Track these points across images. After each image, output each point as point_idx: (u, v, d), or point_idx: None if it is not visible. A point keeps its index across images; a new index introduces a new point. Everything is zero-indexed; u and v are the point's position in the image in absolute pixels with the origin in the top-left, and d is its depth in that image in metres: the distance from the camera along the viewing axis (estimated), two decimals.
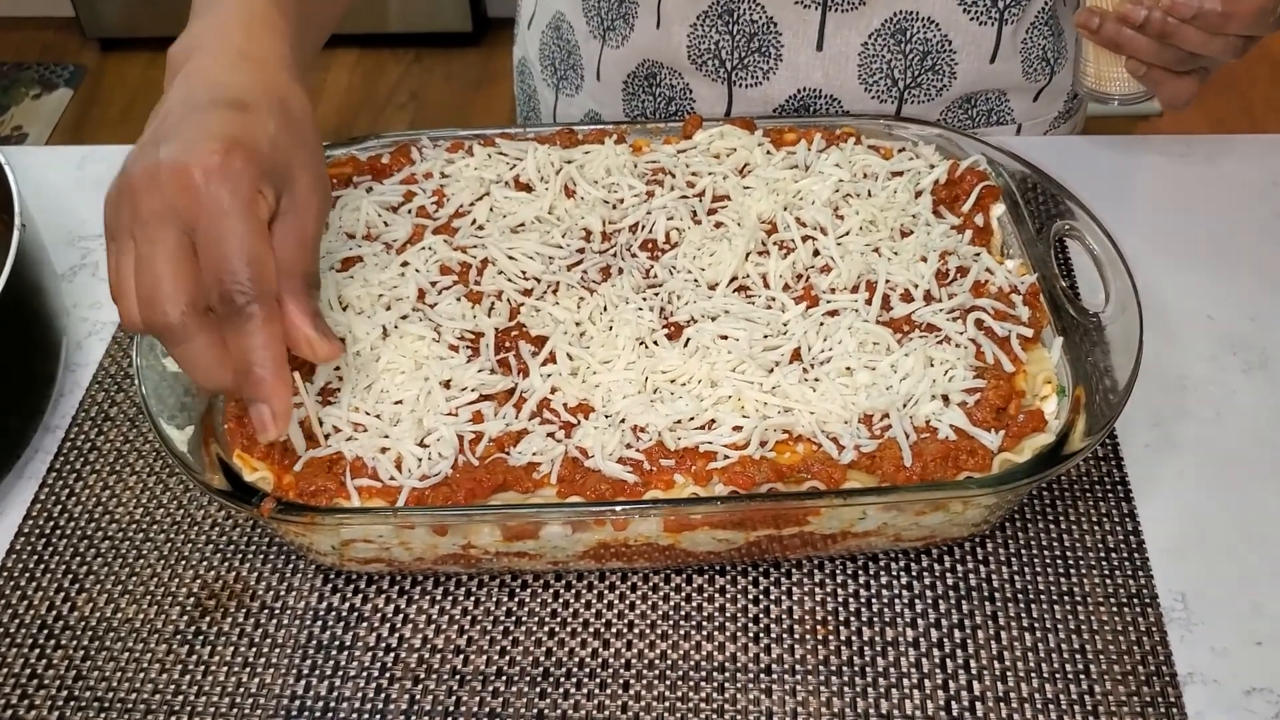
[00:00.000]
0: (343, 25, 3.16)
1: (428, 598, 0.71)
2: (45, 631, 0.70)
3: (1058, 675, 0.66)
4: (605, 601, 0.70)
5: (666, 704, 0.66)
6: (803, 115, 0.96)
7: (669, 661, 0.68)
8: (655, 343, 0.71)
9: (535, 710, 0.66)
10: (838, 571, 0.71)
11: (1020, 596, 0.70)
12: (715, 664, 0.68)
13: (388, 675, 0.68)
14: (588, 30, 1.00)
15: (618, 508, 0.63)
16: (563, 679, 0.67)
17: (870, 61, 0.94)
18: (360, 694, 0.67)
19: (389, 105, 2.93)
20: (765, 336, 0.71)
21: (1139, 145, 1.00)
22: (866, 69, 0.94)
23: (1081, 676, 0.66)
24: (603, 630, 0.69)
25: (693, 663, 0.68)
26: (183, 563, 0.73)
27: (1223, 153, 0.98)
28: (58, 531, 0.74)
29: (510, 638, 0.69)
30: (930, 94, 0.96)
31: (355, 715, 0.66)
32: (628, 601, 0.70)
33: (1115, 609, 0.69)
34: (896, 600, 0.70)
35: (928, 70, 0.94)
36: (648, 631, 0.69)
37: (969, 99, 0.98)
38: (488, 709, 0.66)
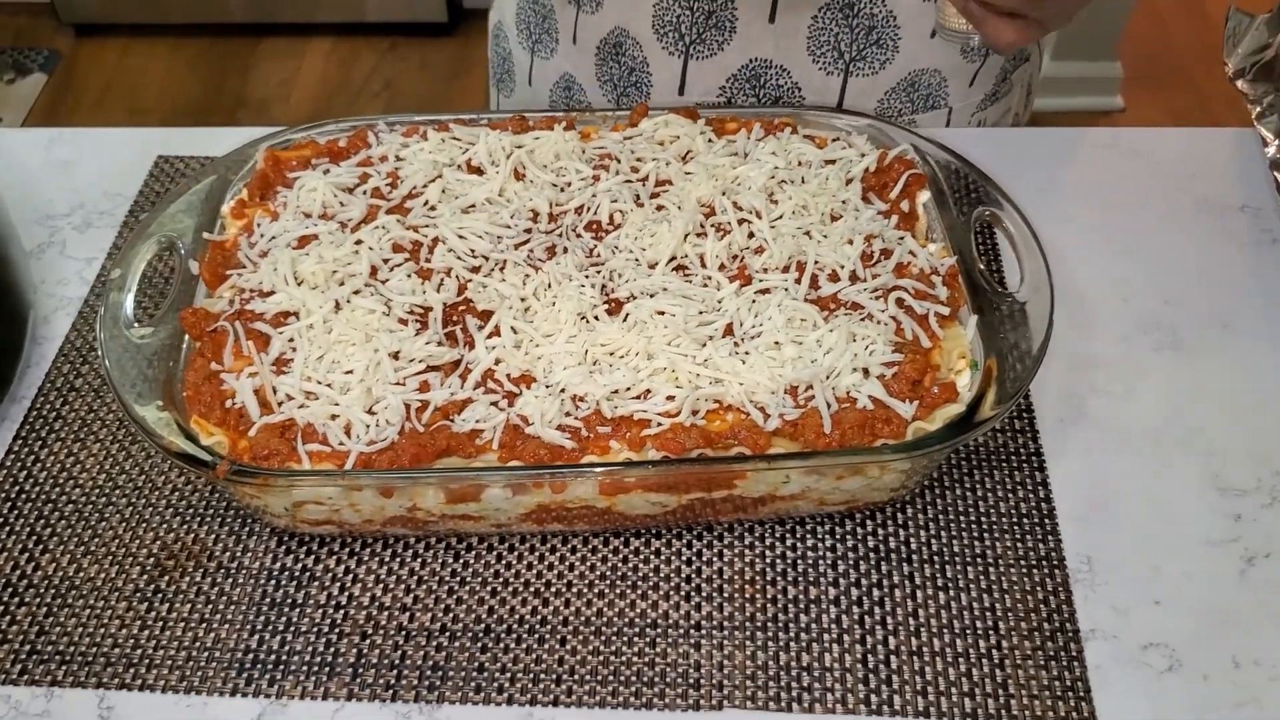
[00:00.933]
0: (319, 13, 3.18)
1: (376, 559, 0.74)
2: (10, 589, 0.73)
3: (968, 631, 0.71)
4: (546, 563, 0.74)
5: (600, 658, 0.70)
6: (753, 84, 1.00)
7: (605, 619, 0.72)
8: (596, 318, 0.75)
9: (476, 664, 0.70)
10: (766, 535, 0.75)
11: (936, 558, 0.74)
12: (648, 620, 0.72)
13: (337, 631, 0.71)
14: None
15: (554, 471, 0.67)
16: (503, 635, 0.71)
17: (819, 34, 0.97)
18: (311, 648, 0.70)
19: (363, 94, 2.96)
20: (700, 313, 0.75)
21: (1071, 137, 1.04)
22: (815, 41, 0.98)
23: (990, 632, 0.71)
24: (543, 590, 0.73)
25: (627, 619, 0.72)
26: (143, 525, 0.76)
27: (1149, 145, 1.02)
28: (23, 495, 0.78)
29: (455, 596, 0.73)
30: (874, 67, 0.99)
31: (306, 668, 0.70)
32: (567, 563, 0.74)
33: (1025, 570, 0.73)
34: (820, 561, 0.74)
35: (873, 44, 0.98)
36: (585, 591, 0.73)
37: (912, 83, 1.01)
38: (431, 662, 0.70)
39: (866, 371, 0.72)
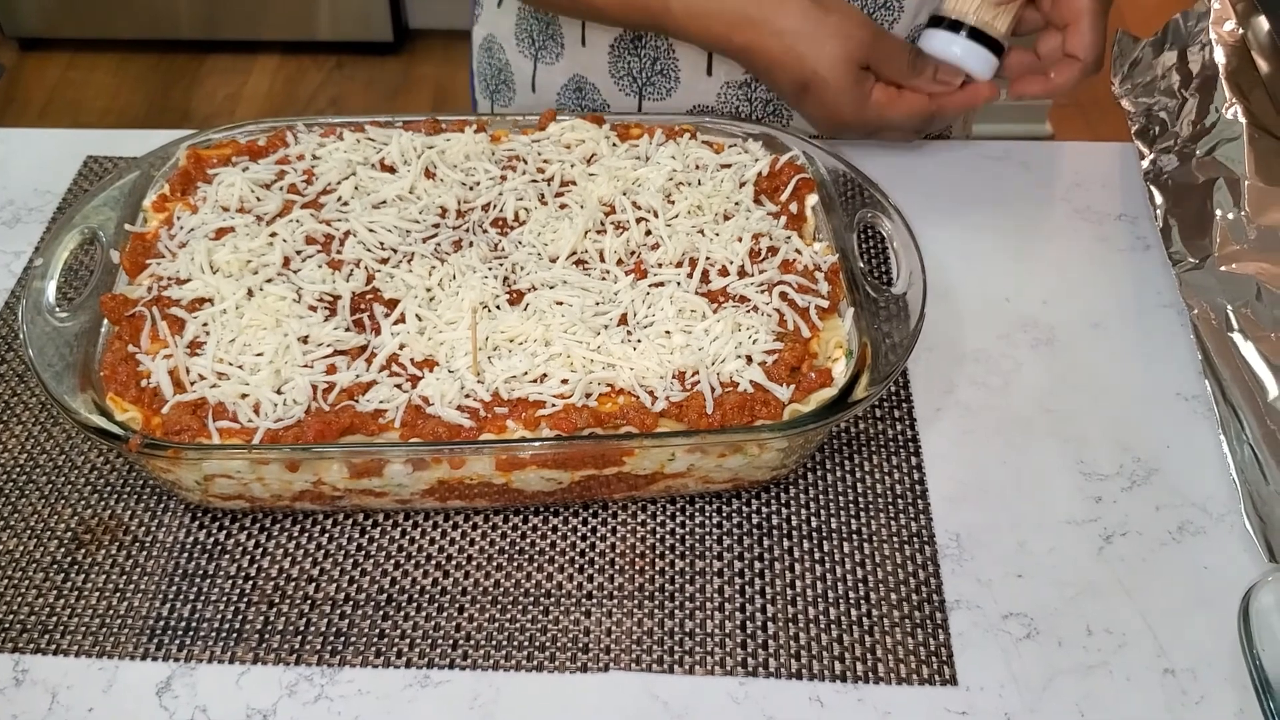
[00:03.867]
0: (266, 31, 3.25)
1: (285, 533, 0.78)
2: None
3: (841, 600, 0.75)
4: (448, 538, 0.78)
5: (496, 624, 0.74)
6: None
7: (502, 589, 0.76)
8: (498, 307, 0.79)
9: (378, 630, 0.74)
10: (657, 512, 0.80)
11: (815, 534, 0.79)
12: (543, 591, 0.76)
13: (245, 600, 0.75)
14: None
15: (452, 446, 0.72)
16: (405, 604, 0.75)
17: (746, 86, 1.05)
18: (219, 616, 0.74)
19: (309, 110, 2.99)
20: (597, 304, 0.80)
21: (962, 149, 1.10)
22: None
23: (862, 601, 0.75)
24: (444, 562, 0.77)
25: (523, 590, 0.76)
26: (62, 501, 0.79)
27: (1035, 157, 1.09)
28: None
29: (359, 568, 0.77)
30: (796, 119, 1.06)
31: (214, 634, 0.73)
32: (468, 538, 0.78)
33: (897, 546, 0.78)
34: (707, 536, 0.79)
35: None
36: (485, 564, 0.77)
37: None
38: (334, 629, 0.74)
39: (749, 358, 0.77)
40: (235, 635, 0.73)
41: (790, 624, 0.74)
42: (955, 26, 0.92)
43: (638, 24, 0.98)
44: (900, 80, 0.92)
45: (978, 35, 0.92)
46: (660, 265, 0.83)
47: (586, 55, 1.09)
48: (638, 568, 0.77)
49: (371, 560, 0.77)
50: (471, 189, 0.88)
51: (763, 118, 1.08)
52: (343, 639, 0.73)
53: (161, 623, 0.74)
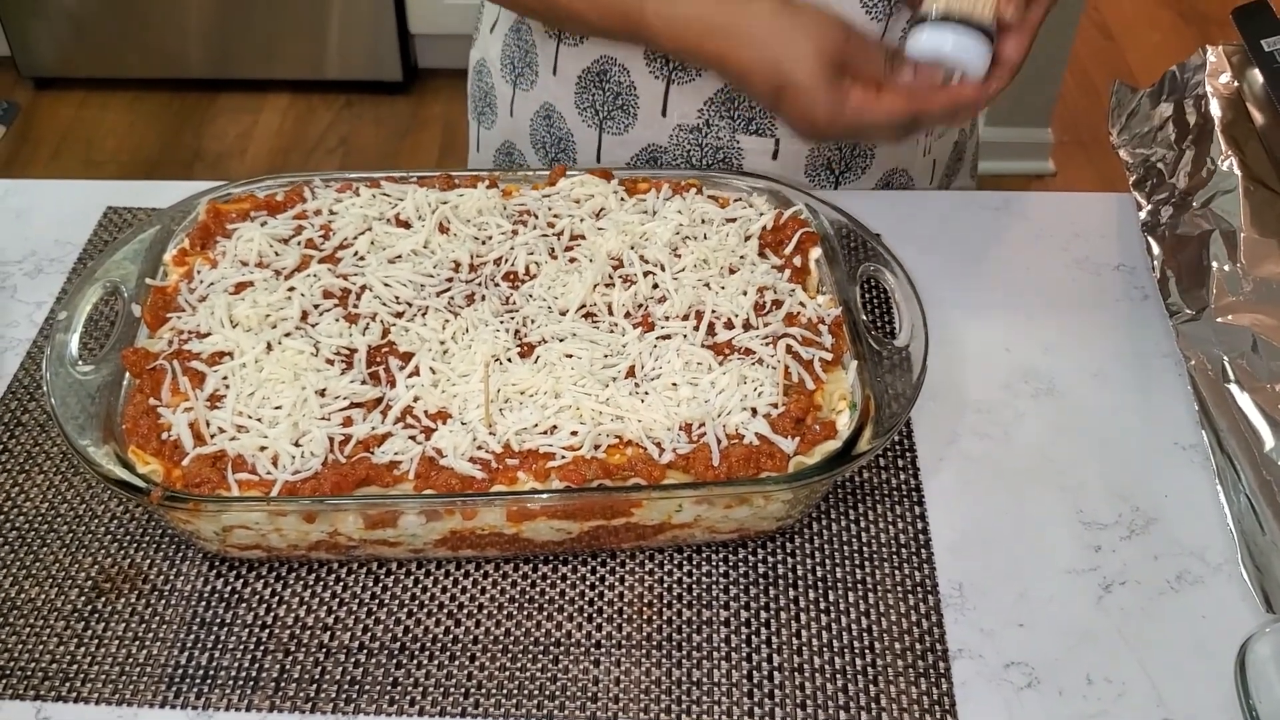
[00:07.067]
0: (278, 69, 3.29)
1: (301, 582, 0.80)
2: None
3: (846, 650, 0.77)
4: (459, 586, 0.80)
5: (507, 673, 0.75)
6: (728, 107, 1.06)
7: (512, 638, 0.77)
8: (509, 359, 0.81)
9: (392, 679, 0.75)
10: (665, 561, 0.81)
11: (820, 584, 0.80)
12: (552, 640, 0.77)
13: (262, 648, 0.76)
14: (545, 31, 1.09)
15: (465, 498, 0.73)
16: (417, 652, 0.76)
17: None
18: (237, 664, 0.76)
19: (319, 149, 3.02)
20: (605, 356, 0.82)
21: (961, 200, 1.12)
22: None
23: (866, 651, 0.77)
24: (455, 611, 0.79)
25: (533, 639, 0.77)
26: (82, 550, 0.81)
27: (1034, 208, 1.11)
28: None
29: (373, 617, 0.78)
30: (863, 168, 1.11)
31: (232, 682, 0.75)
32: (479, 586, 0.80)
33: (901, 595, 0.80)
34: (714, 586, 0.80)
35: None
36: (495, 612, 0.79)
37: (886, 184, 1.12)
38: (349, 678, 0.75)
39: (755, 411, 0.78)
40: (252, 683, 0.75)
41: (796, 673, 0.76)
42: (941, 22, 0.87)
43: (615, 31, 0.97)
44: (878, 78, 0.89)
45: (966, 27, 0.87)
46: (667, 318, 0.85)
47: (556, 85, 1.11)
48: (645, 617, 0.79)
49: (385, 609, 0.79)
50: (484, 243, 0.90)
51: (712, 164, 1.09)
52: (357, 687, 0.75)
53: (180, 671, 0.75)
